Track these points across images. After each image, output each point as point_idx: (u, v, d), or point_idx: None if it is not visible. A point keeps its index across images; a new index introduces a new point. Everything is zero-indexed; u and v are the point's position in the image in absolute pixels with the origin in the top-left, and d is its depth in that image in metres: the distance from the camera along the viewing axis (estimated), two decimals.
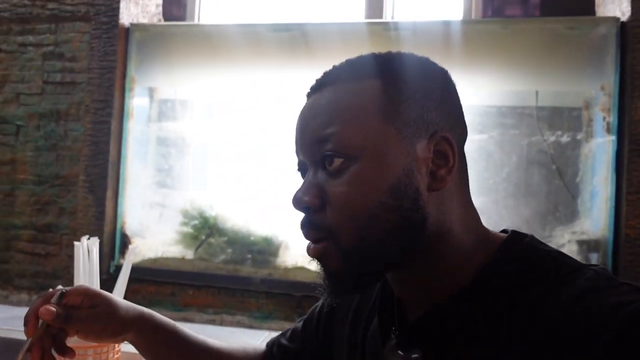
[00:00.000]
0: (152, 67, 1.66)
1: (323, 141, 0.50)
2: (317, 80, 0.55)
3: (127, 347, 1.01)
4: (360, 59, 0.54)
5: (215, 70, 1.60)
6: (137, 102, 1.66)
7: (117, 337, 0.65)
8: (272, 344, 0.77)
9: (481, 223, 0.55)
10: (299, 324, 0.77)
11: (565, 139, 1.39)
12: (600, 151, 1.36)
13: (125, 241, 1.65)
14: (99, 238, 1.61)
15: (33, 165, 1.69)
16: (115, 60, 1.61)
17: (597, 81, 1.37)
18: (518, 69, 1.43)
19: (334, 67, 0.55)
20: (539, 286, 0.47)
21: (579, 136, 1.39)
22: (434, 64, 0.55)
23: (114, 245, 1.63)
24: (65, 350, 0.61)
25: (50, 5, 1.66)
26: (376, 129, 0.49)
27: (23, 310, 1.48)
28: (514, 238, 0.53)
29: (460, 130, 0.54)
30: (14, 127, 1.72)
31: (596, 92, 1.38)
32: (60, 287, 0.99)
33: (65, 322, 0.59)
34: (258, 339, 1.30)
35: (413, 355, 0.52)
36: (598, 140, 1.37)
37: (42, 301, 0.60)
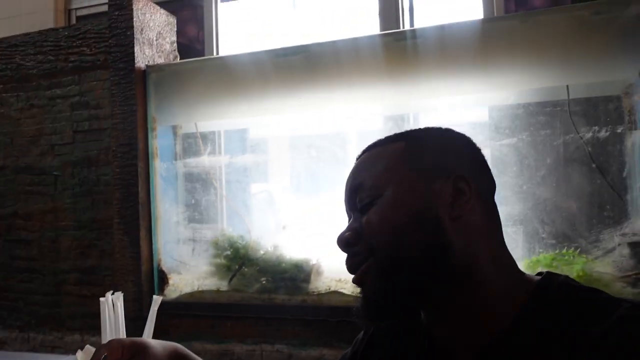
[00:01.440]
0: (172, 105, 1.69)
1: (357, 189, 0.59)
2: (361, 150, 0.64)
3: None
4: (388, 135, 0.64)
5: (234, 100, 1.61)
6: (161, 141, 1.70)
7: None
8: None
9: (516, 265, 0.57)
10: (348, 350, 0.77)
11: (603, 133, 1.28)
12: None
13: (162, 277, 1.68)
14: (137, 277, 1.66)
15: (72, 211, 1.77)
16: (135, 103, 1.65)
17: (635, 66, 1.24)
18: (544, 64, 1.32)
19: (376, 140, 0.64)
20: (578, 323, 0.48)
21: (620, 129, 1.27)
22: (455, 131, 0.62)
23: (153, 282, 1.67)
24: None
25: (72, 58, 1.74)
26: (397, 170, 0.57)
27: (70, 359, 1.54)
28: (549, 278, 0.55)
29: (484, 179, 0.59)
30: (51, 177, 1.80)
31: (636, 78, 1.25)
32: (88, 346, 1.01)
33: None
34: None
35: None
36: None
37: None
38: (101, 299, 1.00)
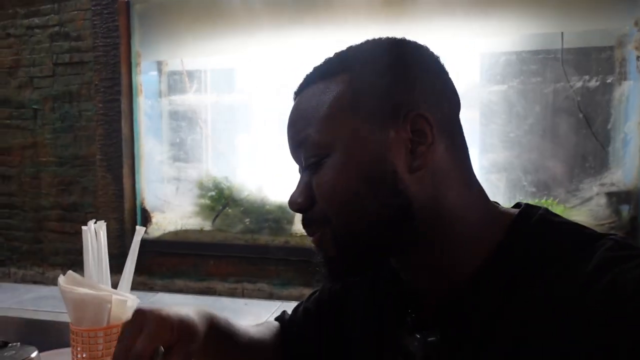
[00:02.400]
0: (158, 39, 1.63)
1: (300, 145, 0.53)
2: (300, 83, 0.57)
3: None
4: (331, 57, 0.55)
5: (222, 37, 1.55)
6: (146, 77, 1.65)
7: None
8: (288, 322, 0.76)
9: (489, 200, 0.53)
10: (310, 304, 0.74)
11: (593, 83, 1.27)
12: (634, 94, 1.24)
13: (146, 216, 1.68)
14: (120, 214, 1.65)
15: (53, 147, 1.73)
16: (118, 36, 1.59)
17: (630, 16, 1.23)
18: (540, 9, 1.30)
19: (313, 67, 0.56)
20: (556, 262, 0.45)
21: (610, 79, 1.27)
22: (408, 44, 0.53)
23: (135, 221, 1.67)
24: None
25: None
26: (345, 123, 0.50)
27: (50, 290, 1.55)
28: (526, 213, 0.50)
29: (446, 105, 0.52)
30: (31, 111, 1.75)
31: (630, 27, 1.24)
32: (70, 272, 1.01)
33: None
34: (271, 308, 1.32)
35: (429, 339, 0.51)
36: (631, 83, 1.24)
37: None
38: (83, 227, 1.00)
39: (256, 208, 1.57)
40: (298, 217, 1.55)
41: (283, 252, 1.50)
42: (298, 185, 0.54)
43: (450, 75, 0.54)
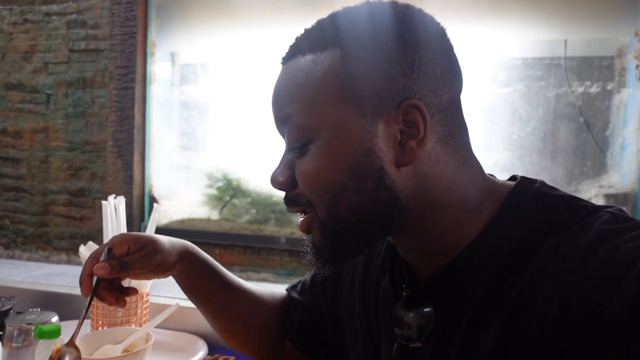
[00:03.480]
0: (173, 31, 1.67)
1: (283, 123, 0.50)
2: (288, 48, 0.52)
3: (155, 299, 1.07)
4: (322, 23, 0.50)
5: (236, 30, 1.60)
6: (159, 67, 1.69)
7: (169, 271, 0.68)
8: (288, 294, 0.80)
9: (485, 177, 0.52)
10: (307, 277, 0.78)
11: (594, 89, 1.33)
12: (632, 101, 1.30)
13: (154, 203, 1.70)
14: (128, 201, 1.68)
15: (64, 132, 1.76)
16: (135, 25, 1.62)
17: (631, 26, 1.29)
18: (546, 16, 1.36)
19: (304, 31, 0.52)
20: (553, 234, 0.44)
21: (610, 86, 1.32)
22: (412, 14, 0.48)
23: (143, 207, 1.69)
24: (128, 291, 0.66)
25: None
26: (332, 107, 0.46)
27: (60, 268, 1.58)
28: (522, 185, 0.49)
29: (446, 89, 0.48)
30: (44, 96, 1.78)
31: (630, 38, 1.30)
32: (91, 242, 1.04)
33: (121, 270, 0.62)
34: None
35: (425, 309, 0.51)
36: (630, 90, 1.30)
37: (92, 261, 0.62)
38: (104, 202, 1.03)
39: (263, 199, 1.60)
40: None
41: (288, 242, 1.53)
42: (281, 162, 0.52)
43: (455, 51, 0.50)
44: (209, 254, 1.60)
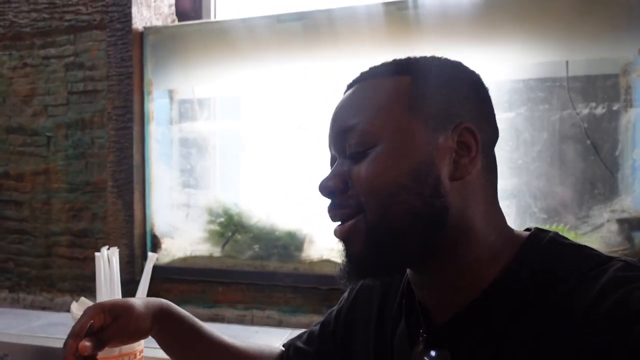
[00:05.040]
0: (169, 68, 1.67)
1: (348, 131, 0.53)
2: (355, 77, 0.57)
3: (151, 352, 1.04)
4: (394, 59, 0.57)
5: (232, 66, 1.59)
6: (157, 105, 1.68)
7: (146, 335, 0.68)
8: (289, 346, 0.78)
9: (506, 223, 0.55)
10: (315, 327, 0.77)
11: (600, 110, 1.29)
12: None
13: (155, 242, 1.68)
14: (130, 241, 1.66)
15: (65, 173, 1.76)
16: (131, 65, 1.62)
17: (635, 43, 1.25)
18: (545, 38, 1.32)
19: (369, 67, 0.57)
20: (566, 281, 0.46)
21: (616, 106, 1.28)
22: (466, 67, 0.57)
23: (145, 246, 1.67)
24: None
25: (68, 17, 1.70)
26: (399, 118, 0.51)
27: (61, 317, 1.55)
28: (537, 235, 0.52)
29: (489, 129, 0.54)
30: (44, 138, 1.78)
31: (634, 56, 1.26)
32: (83, 298, 1.01)
33: (100, 347, 0.62)
34: (282, 336, 1.30)
35: (443, 353, 0.52)
36: (638, 110, 1.25)
37: (75, 340, 0.61)
38: (96, 253, 1.01)
39: (265, 234, 1.57)
40: (307, 243, 1.55)
41: (292, 278, 1.49)
42: (331, 172, 0.54)
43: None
44: (211, 292, 1.59)
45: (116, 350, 0.87)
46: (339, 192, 0.52)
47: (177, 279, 1.62)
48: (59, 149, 1.76)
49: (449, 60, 0.56)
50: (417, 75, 0.53)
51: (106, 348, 0.64)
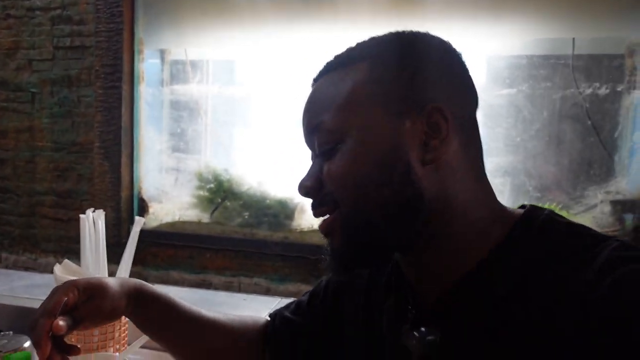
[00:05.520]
0: (161, 27, 1.60)
1: (315, 130, 0.53)
2: (319, 70, 0.56)
3: None
4: (353, 46, 0.55)
5: (227, 28, 1.53)
6: (148, 65, 1.62)
7: (121, 315, 0.66)
8: (275, 316, 0.75)
9: (496, 199, 0.53)
10: (304, 297, 0.75)
11: (603, 90, 1.26)
12: None
13: (143, 206, 1.65)
14: (117, 204, 1.62)
15: (50, 132, 1.70)
16: (122, 22, 1.55)
17: None
18: (552, 13, 1.28)
19: (334, 56, 0.55)
20: (561, 261, 0.44)
21: (620, 87, 1.26)
22: (432, 39, 0.53)
23: (132, 210, 1.64)
24: (70, 350, 0.60)
25: None
26: (361, 110, 0.50)
27: (44, 278, 1.52)
28: (531, 213, 0.50)
29: (464, 102, 0.52)
30: (29, 94, 1.71)
31: None
32: (67, 261, 0.98)
33: (73, 328, 0.59)
34: (271, 304, 1.30)
35: (428, 338, 0.51)
36: None
37: (49, 318, 0.57)
38: (81, 215, 0.98)
39: (255, 202, 1.55)
40: (298, 212, 1.53)
41: (281, 247, 1.48)
42: (308, 171, 0.54)
43: (471, 73, 0.54)
44: (199, 258, 1.57)
45: None
46: (315, 191, 0.53)
47: (164, 243, 1.59)
48: (44, 106, 1.70)
49: (412, 35, 0.53)
50: (374, 60, 0.51)
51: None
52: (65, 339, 0.60)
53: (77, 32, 1.62)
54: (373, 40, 0.54)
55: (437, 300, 0.51)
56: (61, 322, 0.56)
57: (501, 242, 0.49)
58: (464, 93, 0.53)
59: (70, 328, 0.58)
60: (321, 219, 0.54)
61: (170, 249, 1.60)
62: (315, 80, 0.56)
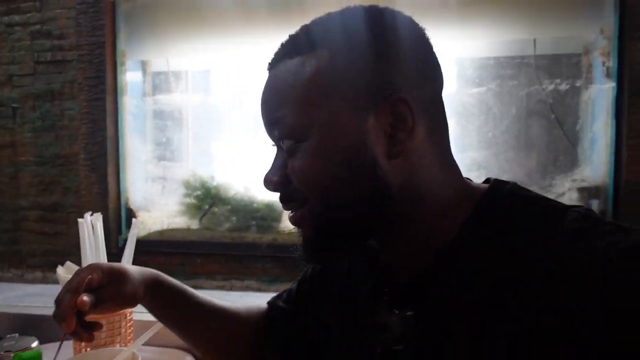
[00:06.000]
0: (143, 39, 1.63)
1: (274, 124, 0.51)
2: (274, 53, 0.53)
3: (138, 316, 1.05)
4: (307, 28, 0.52)
5: (207, 38, 1.57)
6: (130, 77, 1.65)
7: (138, 302, 0.68)
8: (272, 305, 0.79)
9: (461, 177, 0.53)
10: (294, 285, 0.78)
11: (564, 87, 1.37)
12: (600, 97, 1.34)
13: (130, 216, 1.67)
14: (104, 214, 1.63)
15: (33, 146, 1.70)
16: (103, 35, 1.58)
17: (597, 24, 1.33)
18: (515, 16, 1.38)
19: (289, 37, 0.53)
20: (524, 234, 0.45)
21: (578, 83, 1.36)
22: (390, 16, 0.50)
23: (120, 220, 1.65)
24: (94, 326, 0.63)
25: None
26: (323, 104, 0.48)
27: (36, 288, 1.52)
28: (495, 187, 0.51)
29: (428, 84, 0.51)
30: (9, 109, 1.72)
31: (596, 35, 1.34)
32: (69, 262, 1.01)
33: (95, 307, 0.61)
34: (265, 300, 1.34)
35: (407, 313, 0.52)
36: (597, 86, 1.34)
37: (74, 295, 0.60)
38: (80, 220, 1.00)
39: (243, 206, 1.59)
40: (286, 214, 1.58)
41: (270, 249, 1.52)
42: (273, 164, 0.53)
43: (435, 51, 0.52)
44: (190, 264, 1.60)
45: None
46: (282, 185, 0.51)
47: (154, 251, 1.61)
48: (26, 120, 1.70)
49: (370, 12, 0.50)
50: (332, 46, 0.48)
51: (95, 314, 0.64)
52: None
53: (59, 46, 1.64)
54: (330, 20, 0.51)
55: (409, 282, 0.52)
56: (85, 298, 0.58)
57: (467, 220, 0.49)
58: (428, 75, 0.51)
59: (93, 306, 0.60)
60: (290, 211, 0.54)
61: (160, 257, 1.62)
62: (271, 65, 0.53)
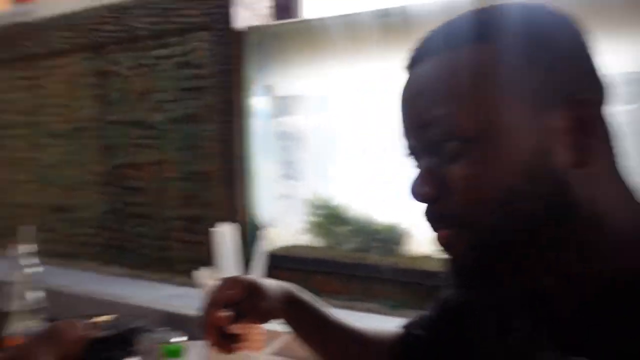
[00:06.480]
0: (268, 66, 1.71)
1: (431, 124, 0.44)
2: (416, 50, 0.48)
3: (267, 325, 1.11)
4: (461, 20, 0.46)
5: (327, 62, 1.59)
6: (256, 101, 1.75)
7: (275, 317, 0.72)
8: (407, 331, 0.77)
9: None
10: (431, 312, 0.75)
11: None
12: None
13: (258, 230, 1.78)
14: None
15: (176, 164, 1.91)
16: (234, 63, 1.70)
17: None
18: None
19: (433, 32, 0.47)
20: None
21: None
22: (563, 16, 0.46)
23: (247, 235, 1.77)
24: (236, 339, 0.68)
25: (178, 20, 1.81)
26: (494, 103, 0.42)
27: (180, 290, 1.72)
28: None
29: (600, 90, 0.45)
30: (158, 131, 1.94)
31: None
32: (204, 268, 1.10)
33: (236, 321, 0.66)
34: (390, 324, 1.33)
35: (572, 346, 0.44)
36: None
37: (215, 310, 0.64)
38: (214, 229, 1.09)
39: (362, 227, 1.59)
40: (408, 237, 1.54)
41: (392, 272, 1.50)
42: (421, 173, 0.47)
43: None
44: (310, 281, 1.65)
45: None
46: (435, 199, 0.45)
47: (278, 266, 1.69)
48: (171, 141, 1.91)
49: (539, 8, 0.45)
50: (499, 41, 0.43)
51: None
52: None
53: (197, 75, 1.80)
54: (485, 15, 0.45)
55: (577, 315, 0.44)
56: (224, 314, 0.62)
57: None
58: (599, 82, 0.46)
59: (233, 321, 0.64)
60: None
61: (284, 272, 1.69)
62: (418, 59, 0.48)
